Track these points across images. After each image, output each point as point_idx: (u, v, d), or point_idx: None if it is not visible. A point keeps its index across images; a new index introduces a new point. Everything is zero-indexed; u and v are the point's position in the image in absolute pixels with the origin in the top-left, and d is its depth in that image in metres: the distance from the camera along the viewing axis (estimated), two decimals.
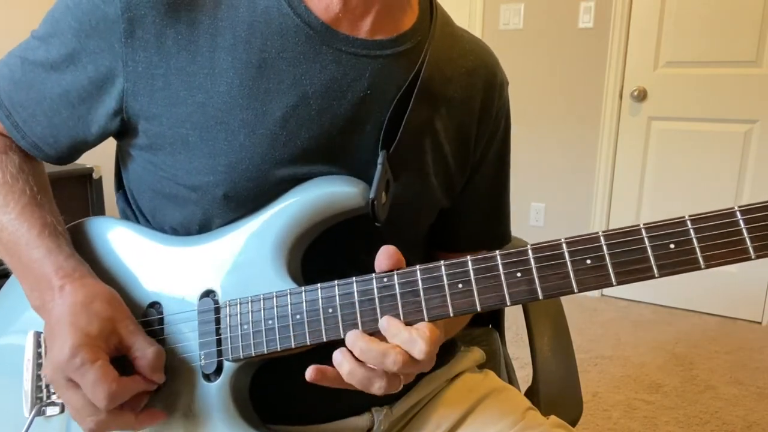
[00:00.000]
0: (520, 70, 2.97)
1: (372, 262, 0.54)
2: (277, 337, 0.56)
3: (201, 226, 0.62)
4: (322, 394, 0.62)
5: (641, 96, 2.78)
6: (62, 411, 0.62)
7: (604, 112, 2.88)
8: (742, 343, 2.51)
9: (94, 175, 2.47)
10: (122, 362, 0.56)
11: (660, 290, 2.88)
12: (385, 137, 0.61)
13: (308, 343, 0.55)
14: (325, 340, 0.54)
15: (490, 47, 0.75)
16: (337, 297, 0.54)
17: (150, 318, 0.61)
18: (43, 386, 0.62)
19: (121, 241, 0.65)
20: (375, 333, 0.52)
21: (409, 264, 0.53)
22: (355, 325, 0.53)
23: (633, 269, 0.47)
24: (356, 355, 0.51)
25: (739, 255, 0.44)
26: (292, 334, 0.55)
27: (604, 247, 0.47)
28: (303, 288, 0.55)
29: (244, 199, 0.60)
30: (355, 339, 0.51)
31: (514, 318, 1.12)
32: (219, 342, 0.58)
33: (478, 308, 0.50)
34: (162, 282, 0.61)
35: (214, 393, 0.58)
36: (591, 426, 1.92)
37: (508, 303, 0.50)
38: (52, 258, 0.59)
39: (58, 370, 0.53)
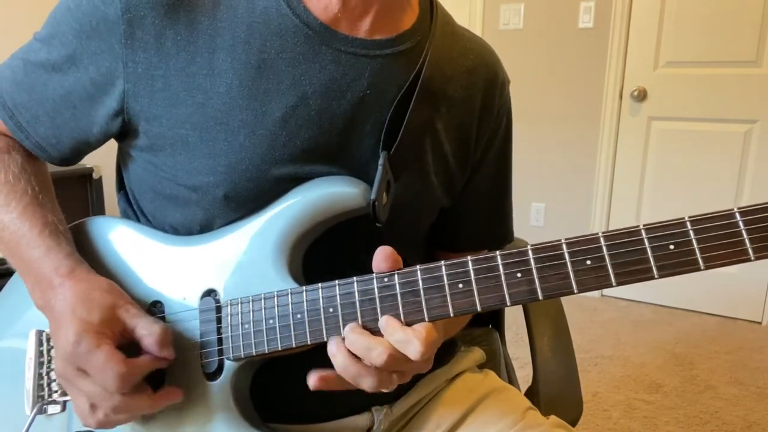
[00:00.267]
0: (520, 70, 2.97)
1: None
2: (278, 336, 0.56)
3: (202, 227, 0.63)
4: (322, 394, 0.63)
5: (641, 96, 2.78)
6: (63, 410, 0.62)
7: (604, 112, 2.89)
8: (742, 343, 2.51)
9: (94, 175, 2.47)
10: (130, 348, 0.56)
11: (660, 290, 2.89)
12: (385, 138, 0.61)
13: (309, 343, 0.55)
14: (325, 339, 0.54)
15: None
16: (338, 297, 0.54)
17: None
18: (45, 385, 0.63)
19: (123, 240, 0.65)
20: (376, 332, 0.52)
21: (409, 264, 0.54)
22: None
23: (633, 270, 0.47)
24: (346, 345, 0.52)
25: (738, 256, 0.44)
26: (293, 333, 0.55)
27: (604, 248, 0.48)
28: (304, 288, 0.56)
29: (245, 200, 0.60)
30: (348, 330, 0.52)
31: (514, 318, 1.12)
32: (220, 341, 0.58)
33: (479, 308, 0.51)
34: (163, 281, 0.62)
35: (215, 392, 0.58)
36: (591, 426, 1.92)
37: (509, 303, 0.50)
38: (52, 256, 0.59)
39: (66, 362, 0.53)
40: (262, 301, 0.57)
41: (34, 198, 0.63)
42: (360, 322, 0.53)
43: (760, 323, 2.72)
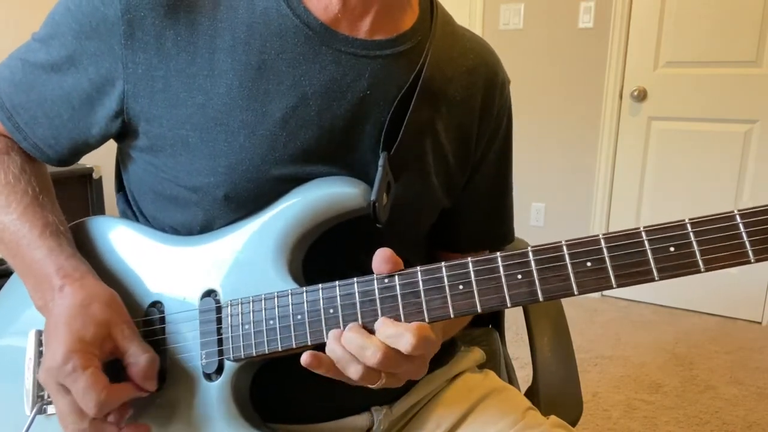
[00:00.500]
0: (520, 70, 2.97)
1: None
2: (279, 337, 0.56)
3: (202, 228, 0.63)
4: (322, 394, 0.63)
5: (641, 96, 2.78)
6: None
7: (604, 112, 2.89)
8: (742, 343, 2.51)
9: (94, 175, 2.47)
10: (116, 366, 0.56)
11: (660, 290, 2.89)
12: (386, 138, 0.61)
13: (309, 343, 0.55)
14: (326, 340, 0.54)
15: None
16: (339, 297, 0.54)
17: (151, 317, 0.61)
18: None
19: (123, 240, 0.65)
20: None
21: (410, 264, 0.54)
22: None
23: (633, 272, 0.47)
24: (342, 342, 0.52)
25: (738, 259, 0.44)
26: (293, 334, 0.55)
27: (605, 250, 0.48)
28: (304, 288, 0.56)
29: (245, 200, 0.60)
30: (347, 329, 0.52)
31: (514, 318, 1.12)
32: (220, 342, 0.58)
33: (479, 309, 0.51)
34: (163, 281, 0.62)
35: (215, 392, 0.58)
36: (591, 426, 1.92)
37: (509, 304, 0.50)
38: (53, 258, 0.59)
39: (50, 375, 0.53)
40: (263, 301, 0.57)
41: (35, 199, 0.63)
42: (360, 322, 0.53)
43: (760, 323, 2.72)
